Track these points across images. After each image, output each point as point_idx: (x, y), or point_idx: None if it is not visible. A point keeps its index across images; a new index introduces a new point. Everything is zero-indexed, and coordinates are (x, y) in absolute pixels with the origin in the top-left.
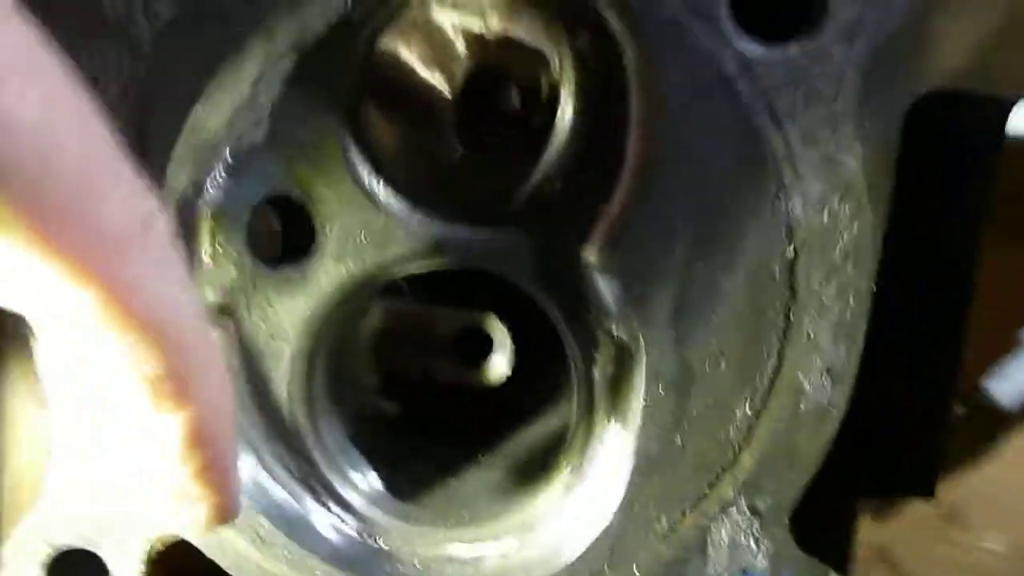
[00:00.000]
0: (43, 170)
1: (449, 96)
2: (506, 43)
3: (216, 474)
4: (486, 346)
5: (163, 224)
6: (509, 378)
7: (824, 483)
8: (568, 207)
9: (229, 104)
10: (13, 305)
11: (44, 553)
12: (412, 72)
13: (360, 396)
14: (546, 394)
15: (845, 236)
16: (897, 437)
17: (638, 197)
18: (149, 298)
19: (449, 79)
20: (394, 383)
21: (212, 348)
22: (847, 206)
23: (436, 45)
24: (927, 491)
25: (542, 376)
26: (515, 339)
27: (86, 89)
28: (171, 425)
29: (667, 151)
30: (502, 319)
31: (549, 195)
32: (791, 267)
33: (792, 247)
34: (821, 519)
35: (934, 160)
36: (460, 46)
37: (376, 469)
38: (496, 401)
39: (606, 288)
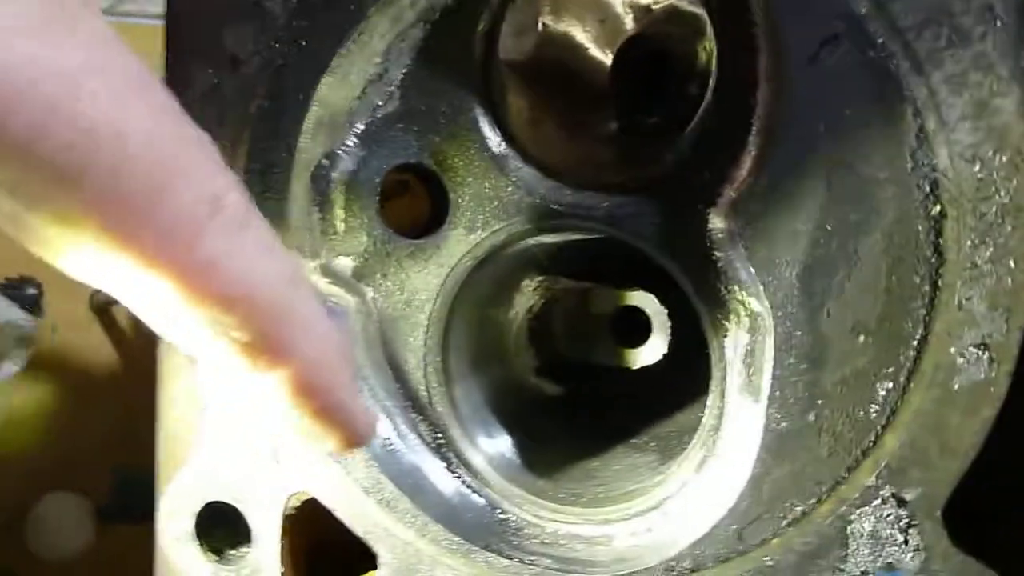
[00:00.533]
0: (114, 170)
1: (612, 75)
2: (671, 12)
3: (331, 415)
4: (642, 327)
5: (234, 198)
6: (661, 360)
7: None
8: (698, 172)
9: (360, 77)
10: (107, 290)
11: (196, 507)
12: (580, 50)
13: (514, 374)
14: (694, 374)
15: (1002, 191)
16: None
17: (766, 157)
18: (225, 275)
19: (613, 55)
20: (550, 362)
21: (305, 306)
22: (1003, 156)
23: (606, 21)
24: None
25: (691, 357)
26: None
27: (155, 79)
28: (273, 382)
29: (796, 106)
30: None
31: (682, 162)
32: (938, 227)
33: (939, 205)
34: (989, 516)
35: None
36: (628, 21)
37: (513, 442)
38: (643, 380)
39: (734, 254)
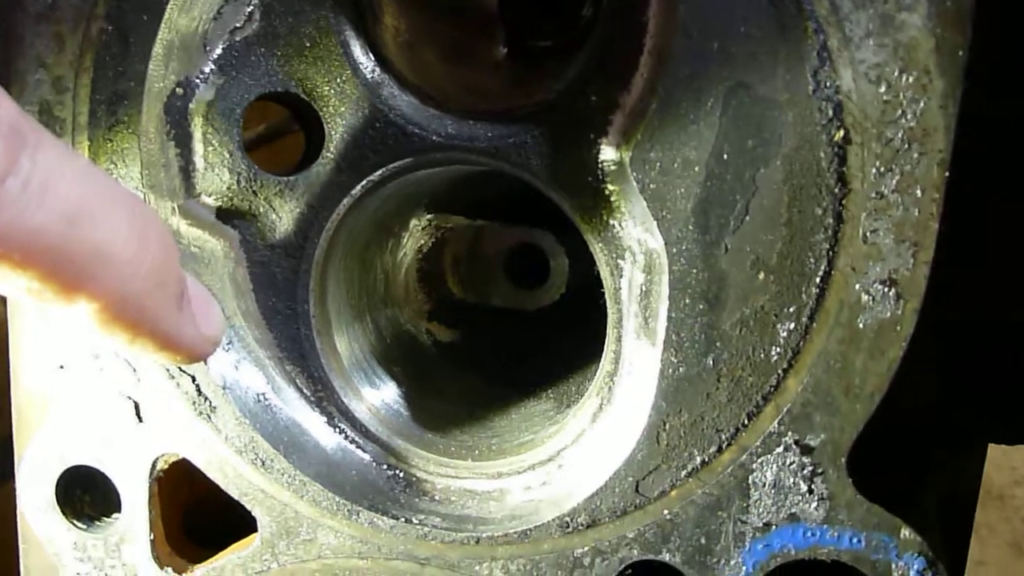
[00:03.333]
0: None
1: None
2: None
3: (150, 341)
4: (540, 266)
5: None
6: (559, 301)
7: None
8: (586, 97)
9: None
10: None
11: (56, 471)
12: None
13: (403, 320)
14: (594, 317)
15: (908, 114)
16: (1013, 380)
17: (657, 80)
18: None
19: None
20: (442, 306)
21: (94, 239)
22: (909, 76)
23: None
24: None
25: (592, 298)
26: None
27: None
28: (76, 319)
29: (689, 23)
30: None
31: (570, 88)
32: (841, 154)
33: (842, 129)
34: (890, 463)
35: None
36: None
37: (401, 392)
38: (541, 324)
39: (626, 186)
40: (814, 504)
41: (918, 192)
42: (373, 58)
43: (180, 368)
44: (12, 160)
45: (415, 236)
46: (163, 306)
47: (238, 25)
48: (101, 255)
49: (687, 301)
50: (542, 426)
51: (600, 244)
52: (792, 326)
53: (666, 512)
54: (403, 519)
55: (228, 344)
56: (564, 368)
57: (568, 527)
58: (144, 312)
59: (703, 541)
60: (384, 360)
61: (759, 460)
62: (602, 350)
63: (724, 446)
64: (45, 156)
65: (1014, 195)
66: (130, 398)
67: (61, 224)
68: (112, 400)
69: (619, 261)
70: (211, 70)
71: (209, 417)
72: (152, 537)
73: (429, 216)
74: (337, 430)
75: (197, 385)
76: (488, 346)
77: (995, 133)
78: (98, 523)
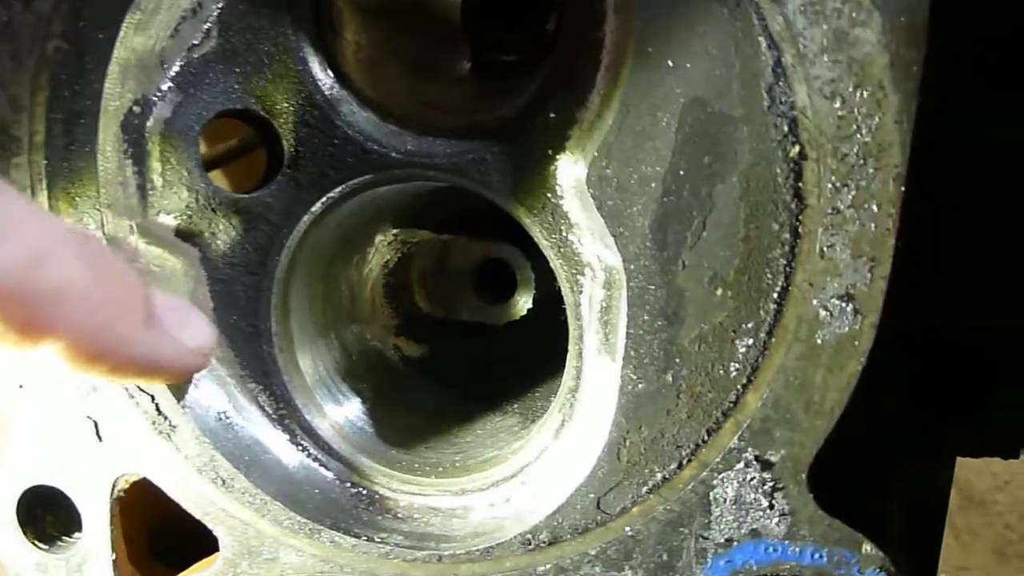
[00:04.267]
0: None
1: (464, 10)
2: None
3: (129, 370)
4: (507, 281)
5: None
6: (526, 316)
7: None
8: (544, 114)
9: (171, 13)
10: None
11: (17, 490)
12: None
13: (369, 335)
14: (560, 332)
15: (863, 130)
16: (978, 391)
17: (614, 96)
18: None
19: None
20: (409, 321)
21: (56, 276)
22: (864, 91)
23: None
24: (1013, 452)
25: (558, 313)
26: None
27: None
28: (47, 357)
29: (644, 40)
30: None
31: (529, 104)
32: (797, 170)
33: (798, 145)
34: (853, 480)
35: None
36: None
37: (365, 409)
38: (508, 339)
39: (583, 202)
40: (775, 520)
41: (874, 207)
42: (332, 75)
43: (139, 387)
44: None
45: (381, 251)
46: (131, 329)
47: (196, 43)
48: (61, 292)
49: (645, 317)
50: (507, 442)
51: (560, 260)
52: (751, 342)
53: (628, 529)
54: (365, 538)
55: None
56: (531, 383)
57: (530, 544)
58: (113, 340)
59: (665, 557)
60: (348, 377)
61: (720, 476)
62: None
63: (685, 462)
64: (2, 201)
65: (972, 208)
66: (90, 418)
67: (25, 265)
68: (73, 420)
69: (579, 277)
70: (169, 88)
71: (169, 436)
72: (114, 557)
73: (395, 231)
74: (300, 448)
75: (156, 404)
76: (455, 361)
77: (952, 146)
78: (60, 543)
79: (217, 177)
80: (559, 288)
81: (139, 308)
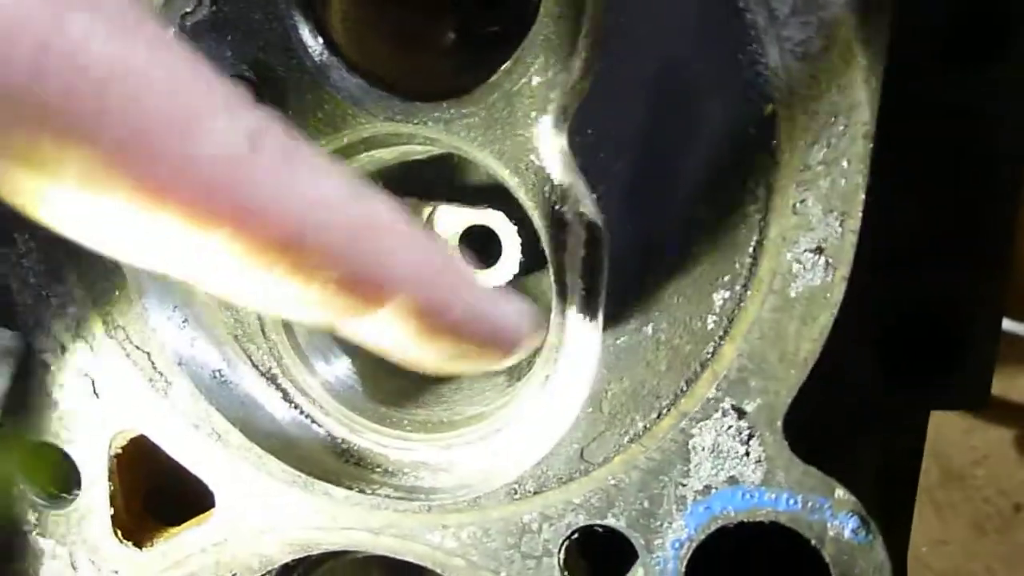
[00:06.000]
0: (130, 116)
1: None
2: None
3: (466, 328)
4: (492, 245)
5: (275, 129)
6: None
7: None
8: (529, 80)
9: None
10: (146, 264)
11: (18, 449)
12: None
13: None
14: (547, 292)
15: (833, 89)
16: (945, 344)
17: (593, 60)
18: (287, 216)
19: None
20: None
21: (388, 217)
22: (833, 52)
23: None
24: (979, 403)
25: (543, 274)
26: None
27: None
28: (387, 318)
29: (623, 4)
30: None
31: (512, 68)
32: (770, 127)
33: (770, 104)
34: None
35: None
36: None
37: (355, 367)
38: None
39: (566, 163)
40: (752, 467)
41: (844, 163)
42: (322, 41)
43: (136, 345)
44: (293, 140)
45: None
46: (467, 280)
47: (188, 10)
48: (394, 231)
49: (625, 273)
50: (493, 399)
51: (543, 220)
52: (727, 294)
53: (610, 478)
54: (357, 489)
55: (184, 322)
56: None
57: (516, 494)
58: (455, 290)
59: (646, 505)
60: (339, 337)
61: (698, 425)
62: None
63: (664, 412)
64: (311, 144)
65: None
66: (87, 375)
67: (351, 194)
68: (69, 376)
69: (562, 236)
70: None
71: (165, 393)
72: (112, 513)
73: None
74: (292, 405)
75: (152, 362)
76: None
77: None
78: (59, 500)
79: None
80: (543, 251)
81: (463, 263)
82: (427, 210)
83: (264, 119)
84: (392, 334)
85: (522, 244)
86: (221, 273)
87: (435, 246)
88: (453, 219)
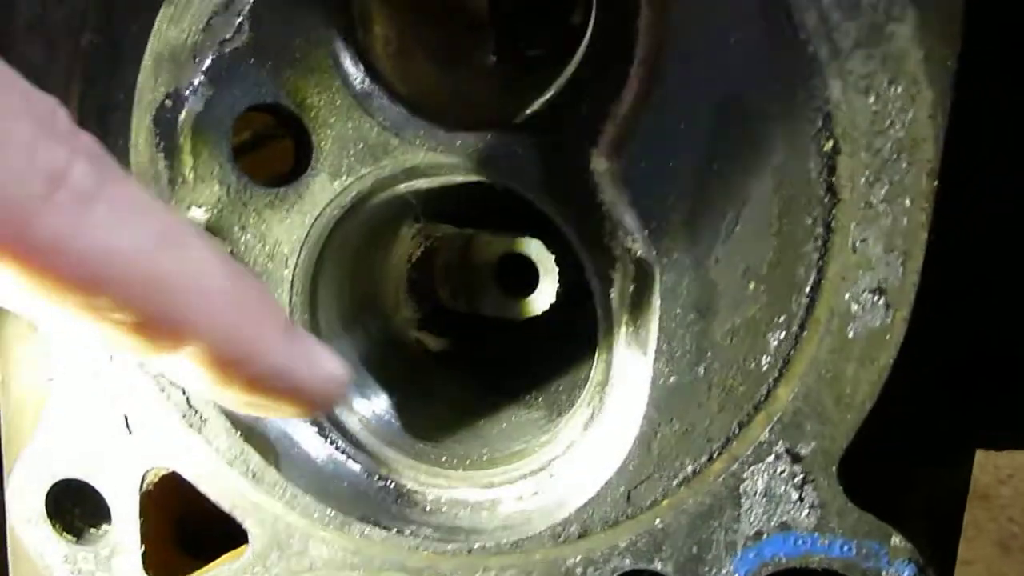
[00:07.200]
0: None
1: (490, 2)
2: None
3: (268, 383)
4: (529, 274)
5: (80, 169)
6: (549, 310)
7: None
8: (578, 108)
9: (204, 6)
10: None
11: (46, 483)
12: None
13: (392, 329)
14: (584, 325)
15: (897, 125)
16: (1003, 386)
17: (648, 91)
18: (75, 255)
19: None
20: (432, 314)
21: (196, 265)
22: (898, 87)
23: None
24: None
25: (582, 306)
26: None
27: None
28: (182, 362)
29: (680, 34)
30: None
31: (561, 98)
32: (831, 164)
33: (831, 140)
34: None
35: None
36: None
37: (392, 402)
38: (531, 332)
39: (617, 197)
40: (805, 512)
41: (907, 202)
42: (363, 68)
43: (171, 381)
44: (100, 183)
45: (405, 244)
46: (273, 335)
47: (227, 36)
48: (199, 281)
49: (678, 311)
50: (533, 435)
51: (590, 254)
52: (783, 335)
53: (658, 521)
54: (395, 530)
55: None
56: (555, 376)
57: (560, 537)
58: (254, 345)
59: (695, 550)
60: (375, 370)
61: (750, 469)
62: (592, 358)
63: (715, 455)
64: (130, 183)
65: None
66: (120, 410)
67: (159, 249)
68: (102, 412)
69: (609, 271)
70: (200, 81)
71: (200, 429)
72: (143, 549)
73: (419, 225)
74: (328, 441)
75: (187, 397)
76: (478, 354)
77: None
78: (88, 535)
79: None
80: (581, 281)
81: (279, 316)
82: (464, 237)
83: (73, 155)
84: (188, 377)
85: (561, 274)
86: (15, 301)
87: (248, 298)
88: (490, 247)
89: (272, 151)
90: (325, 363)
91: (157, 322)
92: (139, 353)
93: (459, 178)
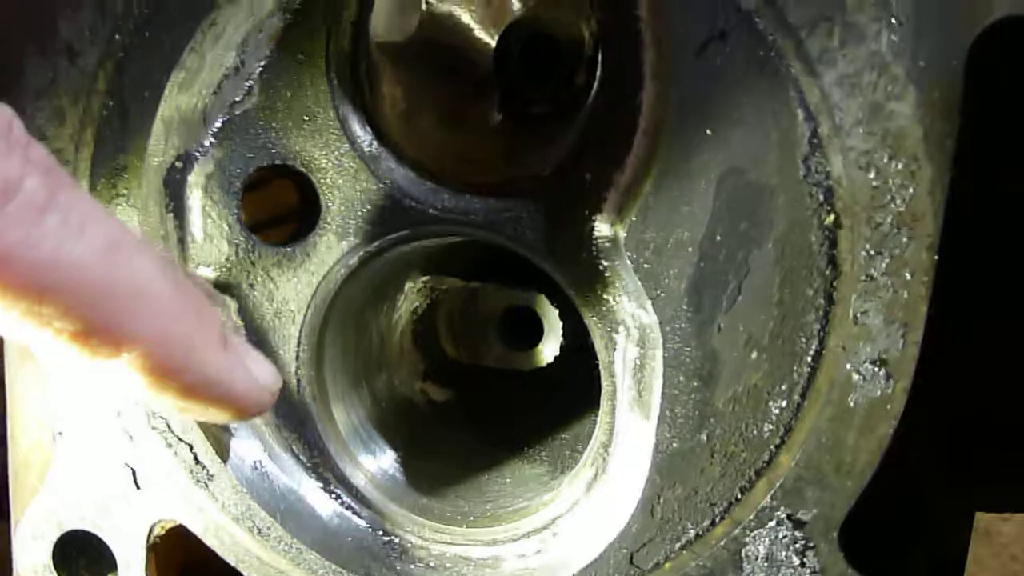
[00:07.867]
0: None
1: (495, 60)
2: None
3: (203, 392)
4: (533, 327)
5: (31, 183)
6: (553, 363)
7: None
8: (581, 175)
9: (214, 71)
10: None
11: (53, 535)
12: (465, 31)
13: (397, 381)
14: (588, 379)
15: (897, 200)
16: (1004, 449)
17: (651, 161)
18: (23, 265)
19: (498, 39)
20: (437, 366)
21: (138, 276)
22: (898, 163)
23: (492, 2)
24: None
25: (585, 359)
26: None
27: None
28: (119, 370)
29: (683, 107)
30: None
31: (565, 163)
32: (832, 237)
33: (832, 214)
34: (880, 534)
35: (1009, 101)
36: (515, 1)
37: (397, 457)
38: (534, 385)
39: (620, 264)
40: None
41: (907, 275)
42: (371, 131)
43: (178, 436)
44: (51, 195)
45: (410, 298)
46: (210, 347)
47: (238, 99)
48: (141, 292)
49: (681, 378)
50: (536, 491)
51: (594, 317)
52: (784, 403)
53: None
54: None
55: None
56: (558, 429)
57: None
58: (191, 355)
59: None
60: (380, 425)
61: (752, 534)
62: (596, 412)
63: (718, 519)
64: (80, 195)
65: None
66: (127, 465)
67: (103, 260)
68: (109, 466)
69: (613, 335)
70: (210, 143)
71: (206, 485)
72: None
73: (424, 278)
74: (333, 496)
75: (195, 453)
76: (482, 406)
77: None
78: None
79: None
80: (585, 335)
81: (216, 326)
82: (468, 290)
83: (24, 168)
84: (124, 382)
85: (564, 326)
86: None
87: (188, 310)
88: (494, 300)
89: (275, 189)
90: (258, 372)
91: (98, 331)
92: (77, 359)
93: (464, 237)
